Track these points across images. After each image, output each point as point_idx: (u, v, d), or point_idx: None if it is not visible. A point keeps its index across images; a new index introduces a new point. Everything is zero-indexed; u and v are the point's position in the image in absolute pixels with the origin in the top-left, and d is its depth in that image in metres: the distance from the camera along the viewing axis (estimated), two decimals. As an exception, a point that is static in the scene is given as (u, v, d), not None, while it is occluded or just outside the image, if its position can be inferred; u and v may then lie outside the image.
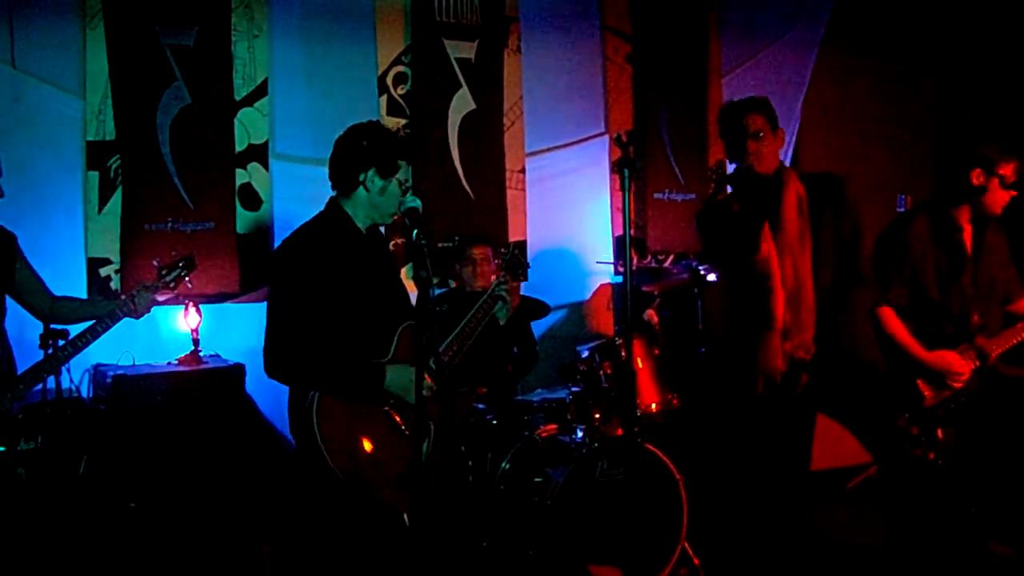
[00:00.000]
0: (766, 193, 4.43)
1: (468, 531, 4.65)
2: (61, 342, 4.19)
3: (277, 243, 5.57)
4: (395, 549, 3.81)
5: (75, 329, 4.24)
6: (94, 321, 4.22)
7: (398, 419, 3.76)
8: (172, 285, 4.45)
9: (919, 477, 4.54)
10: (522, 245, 6.32)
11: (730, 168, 4.70)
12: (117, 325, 4.30)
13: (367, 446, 3.69)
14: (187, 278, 4.47)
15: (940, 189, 4.75)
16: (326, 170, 5.77)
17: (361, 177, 3.84)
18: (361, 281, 3.82)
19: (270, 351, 3.75)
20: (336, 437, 3.64)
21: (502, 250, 4.51)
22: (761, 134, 4.42)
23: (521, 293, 4.71)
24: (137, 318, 4.33)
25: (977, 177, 4.55)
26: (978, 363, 4.56)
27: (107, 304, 4.40)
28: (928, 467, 4.48)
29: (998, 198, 4.56)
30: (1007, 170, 4.54)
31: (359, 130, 3.92)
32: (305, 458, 3.72)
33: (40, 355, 4.23)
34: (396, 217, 3.87)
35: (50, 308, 4.37)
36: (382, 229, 4.09)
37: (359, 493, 3.66)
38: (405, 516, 3.69)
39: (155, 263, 4.50)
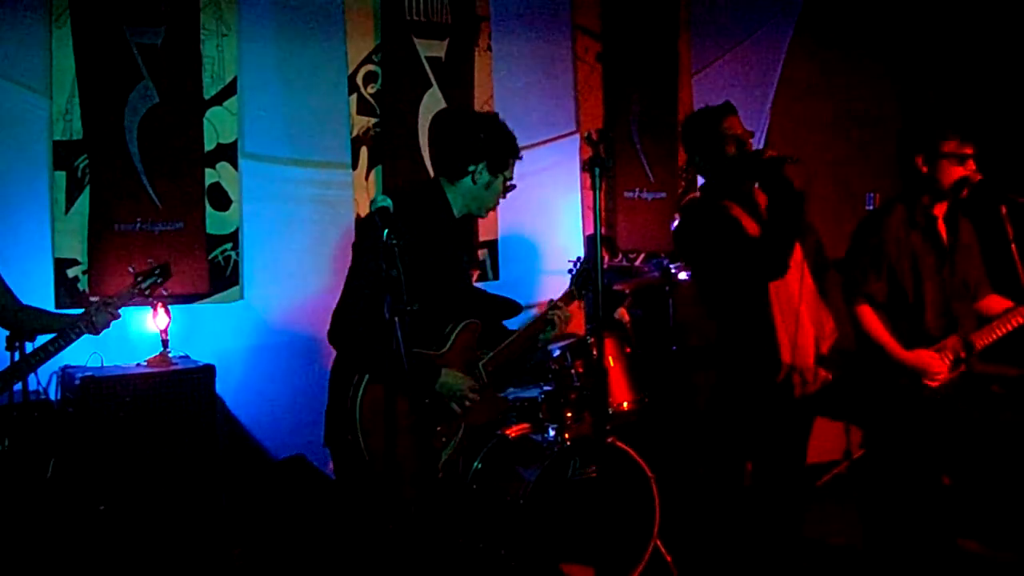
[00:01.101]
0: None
1: (441, 531, 4.64)
2: (30, 345, 4.18)
3: (246, 242, 5.61)
4: (378, 548, 3.84)
5: (39, 339, 4.23)
6: (56, 335, 4.21)
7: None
8: (148, 293, 4.45)
9: (896, 471, 4.56)
10: (493, 244, 6.31)
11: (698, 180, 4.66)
12: (85, 326, 4.29)
13: (402, 440, 3.72)
14: (162, 286, 4.47)
15: (903, 184, 4.76)
16: (295, 169, 5.79)
17: (471, 168, 3.87)
18: (439, 266, 3.84)
19: (336, 316, 3.79)
20: (375, 426, 3.68)
21: (570, 261, 4.54)
22: (745, 136, 4.36)
23: (492, 292, 4.71)
24: (96, 334, 4.32)
25: (924, 163, 4.56)
26: (963, 354, 4.56)
27: (68, 318, 4.36)
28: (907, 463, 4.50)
29: (949, 177, 4.55)
30: (950, 147, 4.54)
31: (477, 120, 3.99)
32: (336, 439, 3.77)
33: (5, 358, 4.20)
34: (490, 212, 3.94)
35: (14, 315, 4.32)
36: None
37: (384, 482, 3.69)
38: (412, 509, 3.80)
39: (131, 269, 4.48)
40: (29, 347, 4.24)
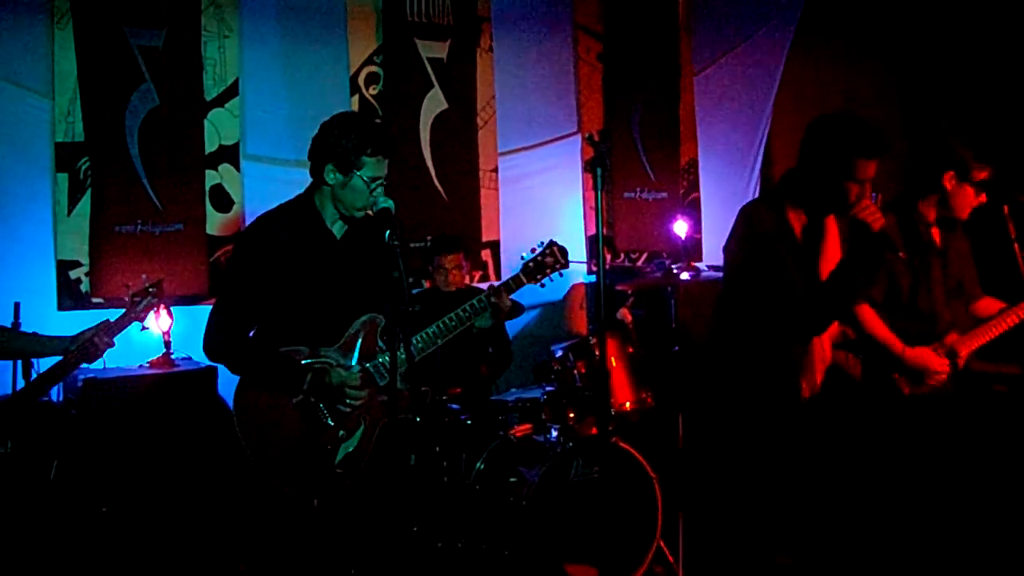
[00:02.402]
0: None
1: (443, 531, 4.64)
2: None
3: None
4: (382, 549, 3.84)
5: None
6: (61, 359, 4.19)
7: (321, 409, 3.82)
8: (143, 315, 4.42)
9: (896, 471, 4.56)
10: (495, 245, 6.32)
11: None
12: (84, 327, 4.28)
13: (278, 432, 3.78)
14: (157, 304, 4.45)
15: (909, 185, 4.76)
16: (298, 171, 5.76)
17: (325, 170, 3.82)
18: (312, 271, 3.80)
19: (205, 330, 3.85)
20: (249, 418, 3.78)
21: (532, 248, 4.38)
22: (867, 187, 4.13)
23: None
24: (90, 363, 4.28)
25: (949, 180, 4.57)
26: (951, 357, 4.58)
27: (40, 341, 4.24)
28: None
29: (966, 203, 4.58)
30: (980, 176, 4.56)
31: (330, 121, 3.89)
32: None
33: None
34: (368, 212, 3.83)
35: None
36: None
37: (262, 472, 3.78)
38: (315, 502, 3.79)
39: (127, 287, 4.46)
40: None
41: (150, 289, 4.44)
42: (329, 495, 3.82)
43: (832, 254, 4.24)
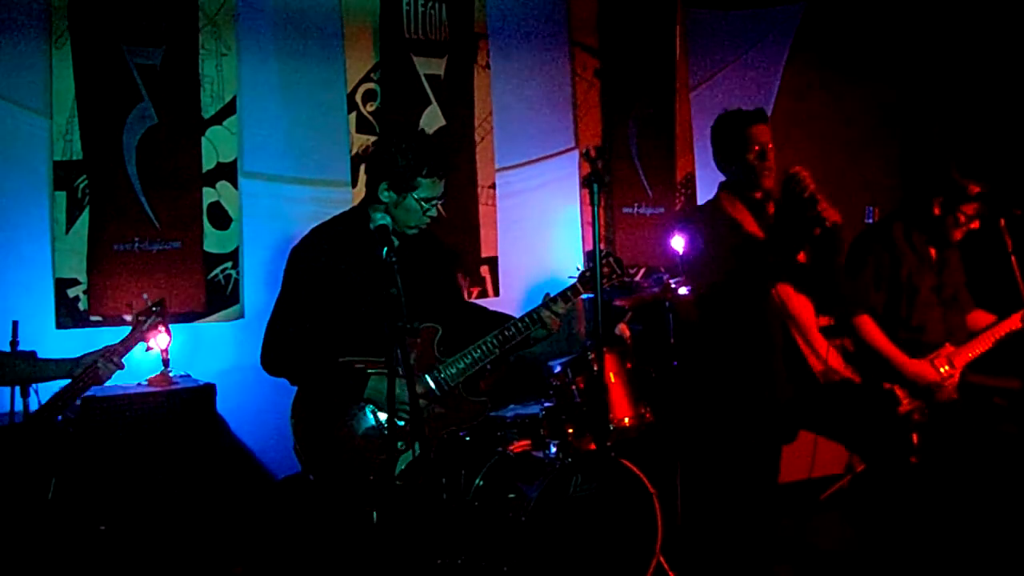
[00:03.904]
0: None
1: (443, 548, 4.63)
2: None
3: (247, 261, 5.62)
4: (380, 567, 3.85)
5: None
6: (70, 383, 4.19)
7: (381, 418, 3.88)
8: (148, 335, 4.42)
9: (897, 482, 4.56)
10: (492, 260, 6.32)
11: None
12: (82, 346, 4.28)
13: (337, 443, 3.86)
14: (160, 323, 4.45)
15: (908, 202, 4.80)
16: (296, 187, 5.80)
17: (380, 188, 3.88)
18: (365, 283, 3.86)
19: (263, 344, 3.95)
20: (307, 428, 3.87)
21: (578, 267, 4.37)
22: (768, 147, 4.42)
23: (491, 309, 4.70)
24: (100, 384, 4.28)
25: (939, 206, 4.61)
26: (947, 371, 4.60)
27: (41, 366, 4.28)
28: (907, 471, 4.50)
29: (955, 230, 4.65)
30: (969, 209, 4.61)
31: (387, 138, 3.98)
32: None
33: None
34: (420, 228, 3.91)
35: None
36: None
37: (326, 483, 3.87)
38: (374, 515, 3.81)
39: (130, 307, 4.47)
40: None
41: (153, 308, 4.44)
42: (388, 507, 3.85)
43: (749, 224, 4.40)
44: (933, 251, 4.74)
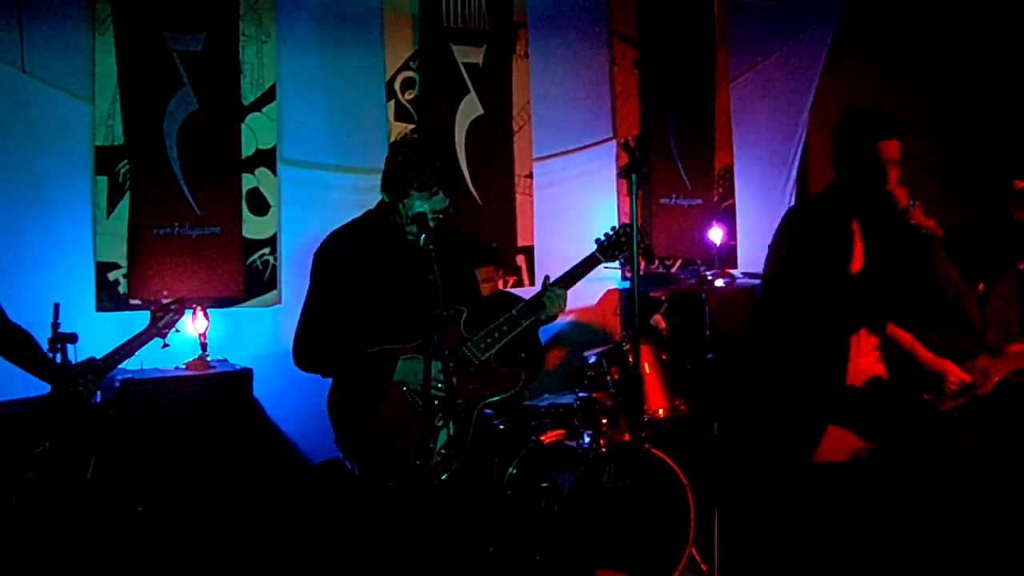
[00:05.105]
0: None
1: (475, 536, 4.65)
2: (70, 346, 4.24)
3: (285, 247, 5.65)
4: (413, 553, 3.90)
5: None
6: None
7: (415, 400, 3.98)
8: (165, 331, 4.48)
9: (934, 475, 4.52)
10: (529, 250, 6.32)
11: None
12: (121, 329, 4.33)
13: (375, 427, 3.96)
14: (177, 322, 4.51)
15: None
16: (333, 175, 5.83)
17: (382, 191, 4.04)
18: (391, 272, 4.00)
19: (294, 342, 4.10)
20: (345, 418, 3.98)
21: (600, 237, 4.41)
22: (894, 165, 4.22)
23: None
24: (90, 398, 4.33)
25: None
26: (979, 381, 4.53)
27: (51, 366, 4.31)
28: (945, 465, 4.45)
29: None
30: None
31: (395, 143, 4.10)
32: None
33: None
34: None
35: None
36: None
37: (368, 470, 3.96)
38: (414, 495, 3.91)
39: (151, 304, 4.52)
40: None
41: (172, 306, 4.49)
42: (428, 486, 3.92)
43: (858, 255, 4.26)
44: None
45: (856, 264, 4.27)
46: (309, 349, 4.07)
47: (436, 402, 3.94)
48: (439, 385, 3.85)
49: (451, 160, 4.12)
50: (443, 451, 3.97)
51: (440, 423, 4.00)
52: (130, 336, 4.41)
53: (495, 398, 4.19)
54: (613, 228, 4.46)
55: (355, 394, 4.03)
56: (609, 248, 4.36)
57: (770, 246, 4.46)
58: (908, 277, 4.25)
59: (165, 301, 4.60)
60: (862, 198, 4.29)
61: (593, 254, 4.39)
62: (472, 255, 4.72)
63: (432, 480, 3.92)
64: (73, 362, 4.40)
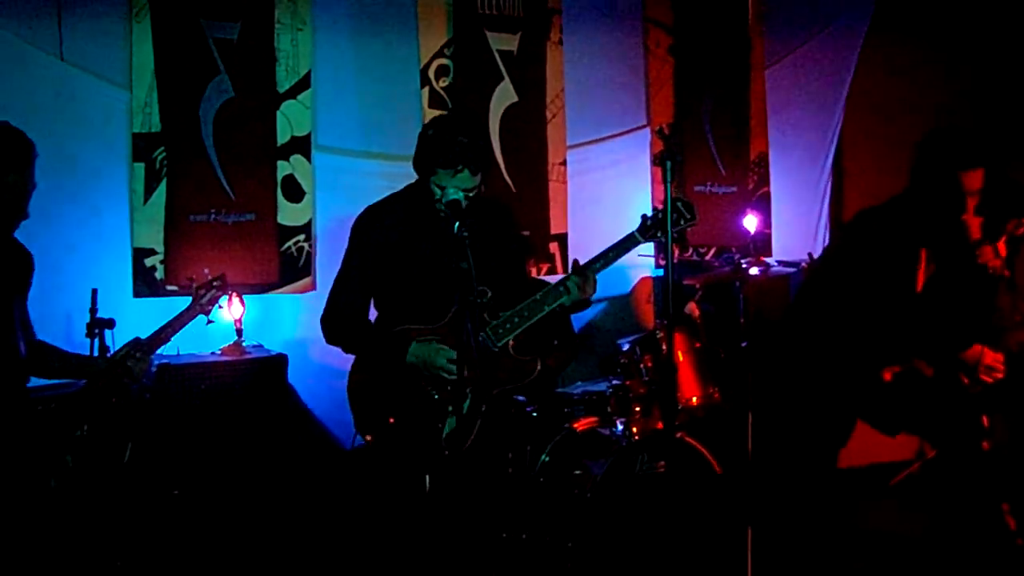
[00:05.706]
0: None
1: (507, 522, 4.66)
2: (108, 331, 4.27)
3: (319, 233, 5.68)
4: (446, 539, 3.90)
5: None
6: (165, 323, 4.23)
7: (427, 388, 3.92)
8: (208, 308, 4.45)
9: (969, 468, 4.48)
10: (563, 237, 6.31)
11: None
12: (158, 314, 4.34)
13: (389, 408, 3.93)
14: (220, 298, 4.47)
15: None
16: (368, 162, 5.84)
17: (416, 169, 4.03)
18: (420, 252, 3.99)
19: (323, 313, 4.11)
20: (360, 397, 3.97)
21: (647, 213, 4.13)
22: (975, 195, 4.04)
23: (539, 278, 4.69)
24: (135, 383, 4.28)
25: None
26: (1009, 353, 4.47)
27: (82, 362, 4.18)
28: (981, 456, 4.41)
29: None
30: None
31: (428, 123, 4.06)
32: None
33: (87, 344, 4.30)
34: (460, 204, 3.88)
35: (28, 347, 4.11)
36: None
37: (381, 450, 3.95)
38: (427, 479, 3.87)
39: (192, 282, 4.50)
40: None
41: (214, 282, 4.49)
42: (439, 470, 3.90)
43: (920, 279, 4.21)
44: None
45: (918, 288, 4.20)
46: (334, 321, 4.08)
47: (449, 388, 3.91)
48: (449, 370, 3.85)
49: (482, 139, 4.02)
50: (447, 442, 3.90)
51: (450, 408, 3.92)
52: (173, 315, 4.40)
53: (507, 387, 4.06)
54: (655, 209, 4.36)
55: (369, 372, 4.00)
56: (652, 228, 4.04)
57: (826, 249, 4.42)
58: (967, 314, 4.16)
59: (207, 278, 4.59)
60: (935, 225, 4.15)
61: (632, 233, 4.08)
62: (515, 235, 4.58)
63: (438, 468, 3.89)
64: (112, 348, 4.42)
